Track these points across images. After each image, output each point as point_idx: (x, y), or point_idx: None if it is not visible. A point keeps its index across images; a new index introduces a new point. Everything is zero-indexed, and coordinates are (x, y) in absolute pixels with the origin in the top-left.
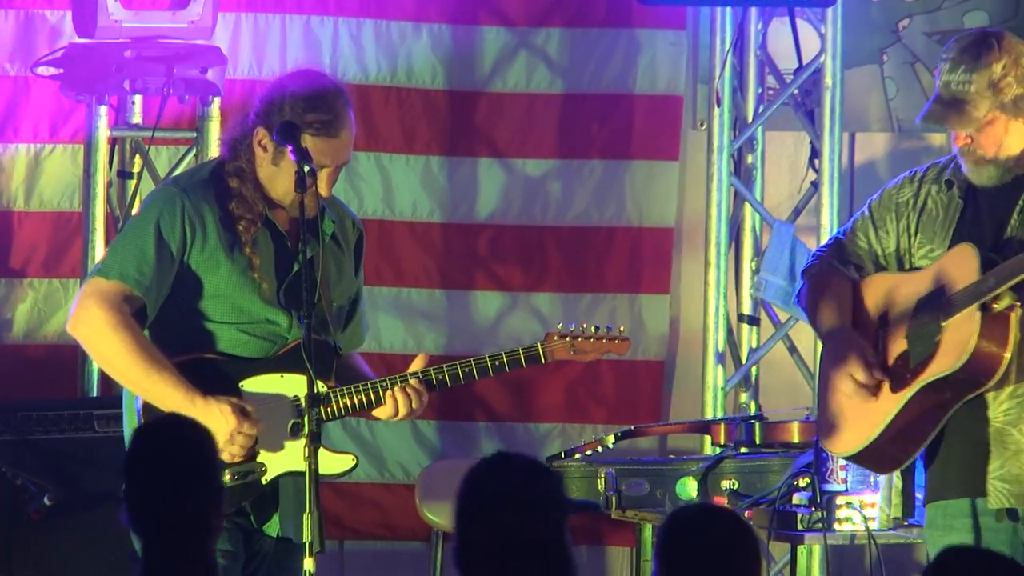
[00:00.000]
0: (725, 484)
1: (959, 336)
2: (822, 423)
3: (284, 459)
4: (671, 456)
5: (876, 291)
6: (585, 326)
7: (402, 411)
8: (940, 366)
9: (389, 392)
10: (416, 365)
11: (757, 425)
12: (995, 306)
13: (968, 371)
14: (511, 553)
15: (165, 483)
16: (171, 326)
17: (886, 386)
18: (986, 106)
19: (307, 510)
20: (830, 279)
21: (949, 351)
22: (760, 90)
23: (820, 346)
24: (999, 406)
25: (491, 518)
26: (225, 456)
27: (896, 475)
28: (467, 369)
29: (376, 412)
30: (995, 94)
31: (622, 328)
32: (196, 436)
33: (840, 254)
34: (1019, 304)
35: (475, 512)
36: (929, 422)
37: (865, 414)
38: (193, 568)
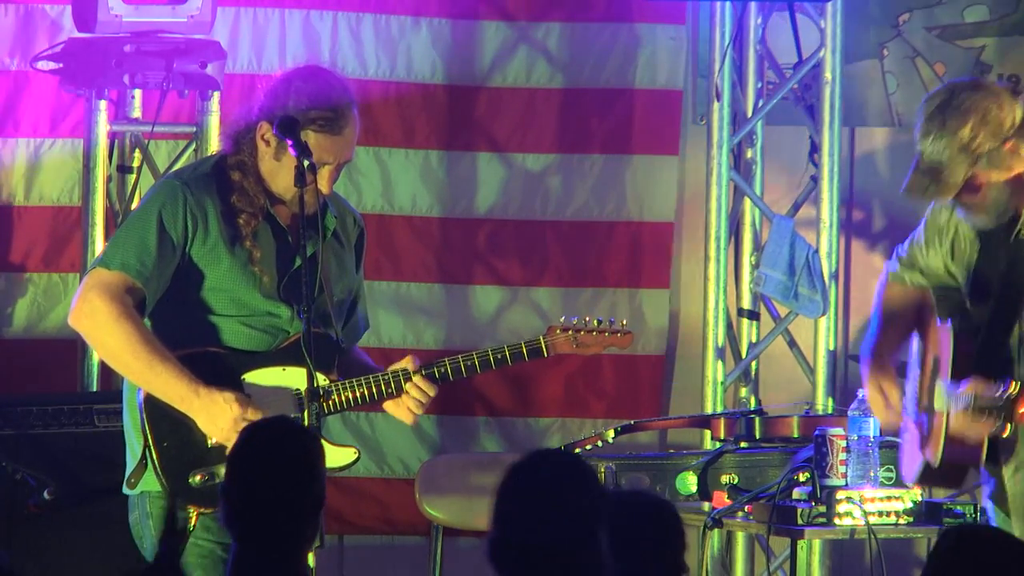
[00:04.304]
0: (725, 478)
1: (936, 433)
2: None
3: None
4: (671, 451)
5: (935, 334)
6: (587, 319)
7: (423, 399)
8: (929, 455)
9: (404, 393)
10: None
11: (757, 420)
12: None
13: (950, 463)
14: (544, 552)
15: (265, 485)
16: (173, 319)
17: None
18: (962, 170)
19: None
20: (889, 300)
21: (933, 444)
22: (760, 84)
23: (820, 340)
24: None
25: (525, 517)
26: (229, 445)
27: None
28: (469, 363)
29: (389, 407)
30: (968, 156)
31: (624, 322)
32: (303, 441)
33: (909, 262)
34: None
35: (509, 511)
36: (969, 459)
37: (913, 449)
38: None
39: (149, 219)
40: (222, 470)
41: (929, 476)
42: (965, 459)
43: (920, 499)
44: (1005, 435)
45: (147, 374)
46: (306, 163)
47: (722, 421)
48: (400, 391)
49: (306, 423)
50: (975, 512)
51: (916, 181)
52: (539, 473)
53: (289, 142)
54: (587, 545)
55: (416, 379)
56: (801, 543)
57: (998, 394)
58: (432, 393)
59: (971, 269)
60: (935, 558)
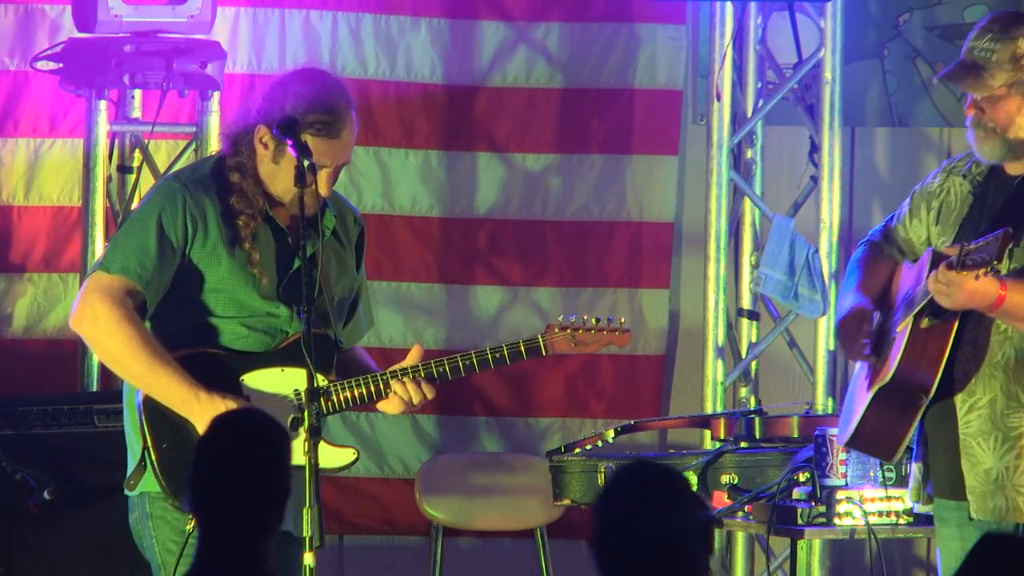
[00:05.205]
0: (725, 479)
1: (896, 347)
2: (841, 411)
3: None
4: (671, 451)
5: (900, 278)
6: (586, 318)
7: (413, 401)
8: (882, 375)
9: (398, 383)
10: (411, 358)
11: (757, 420)
12: (922, 322)
13: (902, 384)
14: (650, 560)
15: (231, 477)
16: (172, 321)
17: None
18: (1003, 78)
19: (307, 505)
20: (867, 258)
21: (890, 360)
22: (760, 84)
23: (820, 340)
24: (963, 416)
25: (633, 525)
26: None
27: (917, 465)
28: (467, 362)
29: (381, 405)
30: (1015, 69)
31: (623, 320)
32: (271, 434)
33: (887, 237)
34: (953, 319)
35: (616, 519)
36: (903, 420)
37: (855, 406)
38: (246, 565)
39: (148, 222)
40: None
41: (860, 438)
42: (917, 379)
43: None
44: (1000, 267)
45: (147, 378)
46: (306, 163)
47: (722, 421)
48: None
49: (306, 424)
50: None
51: (956, 71)
52: (643, 480)
53: (289, 142)
54: (687, 548)
55: (406, 381)
56: (801, 543)
57: (986, 240)
58: (420, 396)
59: (960, 224)
60: (968, 565)
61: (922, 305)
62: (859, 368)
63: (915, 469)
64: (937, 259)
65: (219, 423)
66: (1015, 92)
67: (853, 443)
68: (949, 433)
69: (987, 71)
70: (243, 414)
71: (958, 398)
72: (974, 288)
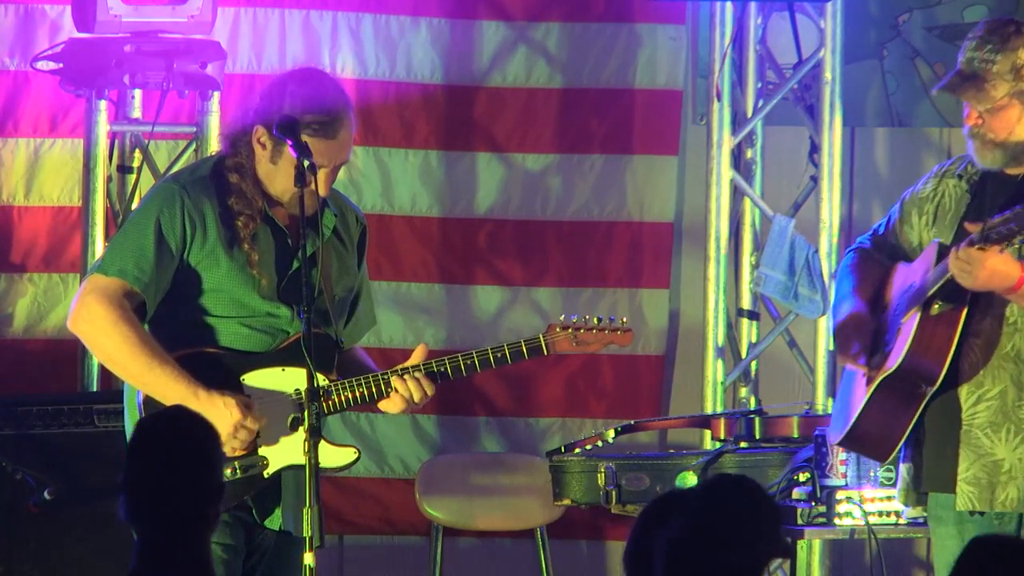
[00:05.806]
0: None
1: (903, 336)
2: (832, 412)
3: (285, 452)
4: (671, 451)
5: (894, 279)
6: (588, 317)
7: (415, 398)
8: (887, 366)
9: (398, 380)
10: (416, 357)
11: (757, 420)
12: (932, 309)
13: (909, 372)
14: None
15: (164, 475)
16: (172, 322)
17: (870, 375)
18: (1004, 89)
19: (307, 505)
20: (859, 264)
21: (896, 350)
22: (760, 85)
23: (821, 340)
24: (970, 407)
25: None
26: (227, 450)
27: (906, 466)
28: (469, 361)
29: (382, 405)
30: (1015, 79)
31: (624, 319)
32: (198, 430)
33: (877, 245)
34: (961, 306)
35: (703, 540)
36: (904, 413)
37: (852, 402)
38: (188, 562)
39: (147, 224)
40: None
41: (857, 434)
42: (925, 368)
43: None
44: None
45: (146, 376)
46: (306, 163)
47: (722, 421)
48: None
49: (307, 423)
50: None
51: (955, 83)
52: (731, 498)
53: (289, 143)
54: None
55: (407, 378)
56: (801, 543)
57: (1013, 212)
58: (429, 390)
59: (958, 223)
60: (959, 570)
61: (938, 287)
62: (850, 370)
63: (903, 470)
64: (943, 251)
65: (148, 424)
66: (1016, 101)
67: (849, 440)
68: (952, 426)
69: (988, 82)
70: (168, 413)
71: (963, 389)
72: (994, 267)
